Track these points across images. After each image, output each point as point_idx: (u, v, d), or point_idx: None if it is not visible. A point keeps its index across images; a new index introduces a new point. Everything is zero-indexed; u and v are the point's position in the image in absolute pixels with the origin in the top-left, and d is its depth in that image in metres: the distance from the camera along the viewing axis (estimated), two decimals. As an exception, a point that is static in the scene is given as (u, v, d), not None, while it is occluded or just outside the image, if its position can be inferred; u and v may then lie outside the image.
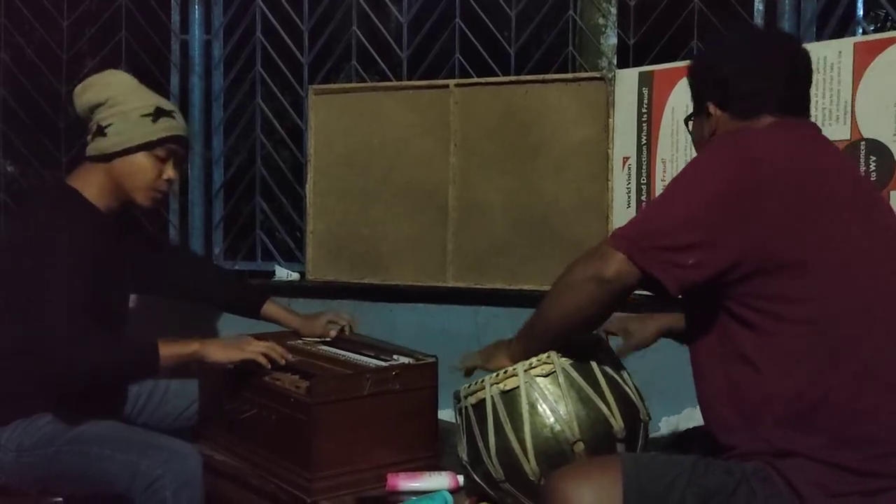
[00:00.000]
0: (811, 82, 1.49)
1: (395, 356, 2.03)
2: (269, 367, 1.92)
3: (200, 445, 1.99)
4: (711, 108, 1.48)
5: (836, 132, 2.13)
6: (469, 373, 1.70)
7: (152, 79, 2.77)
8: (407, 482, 1.80)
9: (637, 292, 1.36)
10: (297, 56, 2.95)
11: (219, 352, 1.90)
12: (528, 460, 1.48)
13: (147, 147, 1.94)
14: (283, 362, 1.94)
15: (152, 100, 1.98)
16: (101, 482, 1.81)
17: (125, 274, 2.06)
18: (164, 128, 1.96)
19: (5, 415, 1.85)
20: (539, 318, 1.48)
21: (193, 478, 1.79)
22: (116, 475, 1.79)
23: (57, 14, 2.95)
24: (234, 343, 1.95)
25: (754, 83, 1.44)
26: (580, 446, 1.47)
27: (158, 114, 1.95)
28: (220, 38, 3.04)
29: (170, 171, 1.99)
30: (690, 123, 1.57)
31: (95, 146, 1.94)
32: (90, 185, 1.94)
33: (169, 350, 1.85)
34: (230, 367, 1.93)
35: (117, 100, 1.93)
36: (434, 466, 1.89)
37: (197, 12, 3.00)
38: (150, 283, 2.22)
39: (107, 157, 1.93)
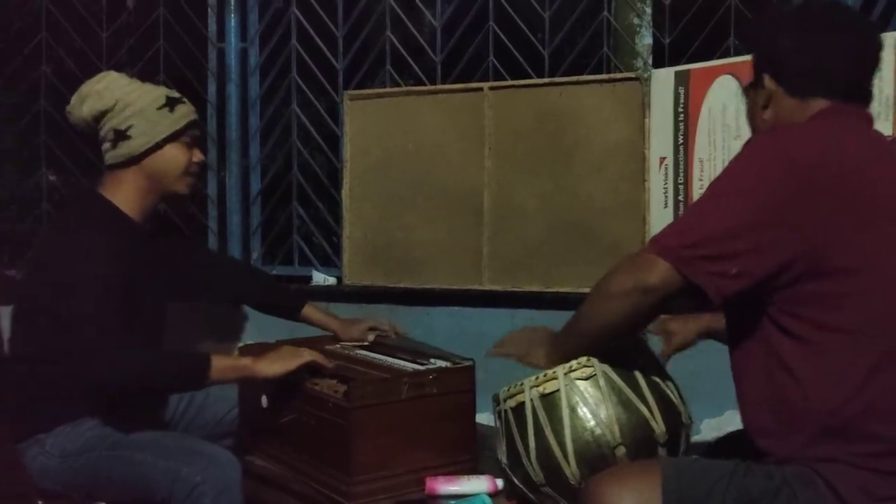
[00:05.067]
0: (877, 69, 1.40)
1: (432, 360, 2.03)
2: (324, 368, 1.93)
3: (240, 451, 2.00)
4: (766, 80, 1.40)
5: (878, 129, 2.08)
6: (492, 356, 1.68)
7: (190, 87, 2.80)
8: (446, 486, 1.79)
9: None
10: (332, 62, 2.96)
11: (269, 366, 1.90)
12: (569, 464, 1.47)
13: (173, 137, 1.95)
14: (329, 366, 1.94)
15: (159, 91, 1.98)
16: (143, 488, 1.83)
17: (161, 280, 2.07)
18: (183, 114, 1.98)
19: (50, 421, 1.88)
20: (579, 324, 1.46)
21: (233, 484, 1.80)
22: (157, 481, 1.80)
23: (96, 26, 3.00)
24: (279, 355, 1.94)
25: (813, 61, 1.36)
26: (621, 450, 1.46)
27: (172, 103, 1.96)
28: (255, 46, 3.06)
29: (198, 154, 2.01)
30: (747, 93, 1.49)
31: (119, 152, 1.93)
32: (121, 191, 1.95)
33: (220, 365, 1.85)
34: (281, 379, 1.93)
35: (126, 100, 1.92)
36: (473, 470, 1.88)
37: (233, 20, 3.03)
38: (188, 288, 2.24)
39: (135, 159, 1.93)
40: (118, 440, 1.85)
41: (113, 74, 1.98)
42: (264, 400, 1.96)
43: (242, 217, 3.10)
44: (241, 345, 2.34)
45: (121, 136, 1.92)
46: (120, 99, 1.92)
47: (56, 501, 1.86)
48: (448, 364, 1.98)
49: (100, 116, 1.93)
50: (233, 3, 3.02)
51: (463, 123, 2.73)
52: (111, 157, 1.95)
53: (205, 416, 2.15)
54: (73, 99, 1.96)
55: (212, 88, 3.06)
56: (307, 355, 1.93)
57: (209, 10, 3.05)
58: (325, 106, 3.04)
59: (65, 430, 1.86)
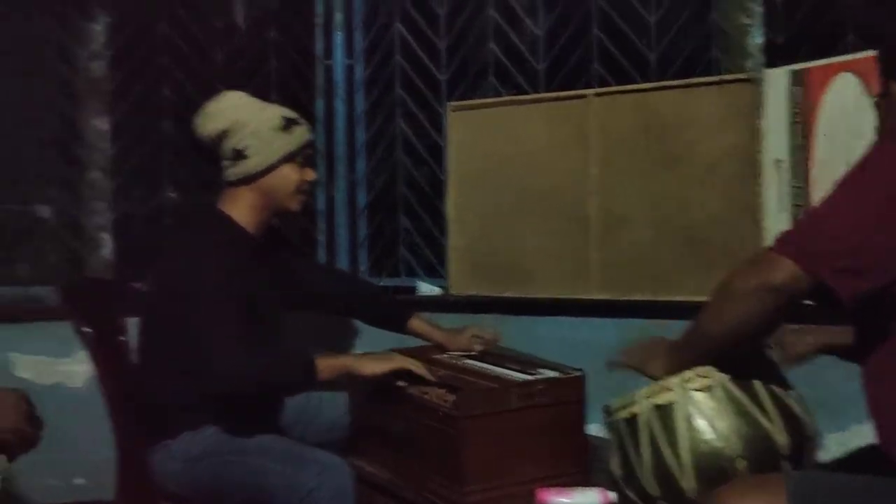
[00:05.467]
0: None
1: (539, 370, 2.02)
2: (418, 375, 1.94)
3: (352, 457, 2.04)
4: (894, 88, 1.34)
5: None
6: (614, 368, 1.65)
7: (299, 104, 2.88)
8: (557, 498, 1.77)
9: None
10: (434, 74, 3.00)
11: (369, 365, 1.95)
12: (686, 477, 1.43)
13: (288, 158, 2.01)
14: (430, 378, 1.95)
15: (276, 111, 2.04)
16: (261, 493, 1.88)
17: (276, 292, 2.14)
18: (298, 135, 2.04)
19: (174, 427, 1.96)
20: (699, 330, 1.42)
21: (346, 489, 1.84)
22: (274, 486, 1.85)
23: (210, 49, 3.13)
24: (382, 357, 2.00)
25: None
26: (741, 463, 1.40)
27: (288, 124, 2.02)
28: (361, 62, 3.13)
29: (310, 173, 2.07)
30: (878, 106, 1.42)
31: (237, 170, 2.01)
32: (238, 207, 2.02)
33: (324, 363, 1.91)
34: (380, 380, 1.97)
35: (244, 121, 1.99)
36: (583, 482, 1.85)
37: (339, 38, 3.11)
38: (301, 300, 2.30)
39: (251, 178, 2.00)
40: (238, 446, 1.91)
41: (233, 94, 2.05)
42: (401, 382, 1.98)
43: (350, 229, 3.16)
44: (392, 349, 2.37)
45: (239, 155, 1.99)
46: (238, 119, 1.99)
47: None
48: (557, 374, 1.97)
49: (220, 135, 2.00)
50: (339, 21, 3.10)
51: (567, 131, 2.70)
52: (230, 174, 2.02)
53: (318, 423, 2.20)
54: (198, 118, 2.04)
55: (320, 105, 3.14)
56: (406, 362, 1.95)
57: (316, 28, 3.14)
58: (428, 118, 3.08)
59: (189, 436, 1.94)
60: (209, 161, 2.77)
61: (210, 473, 1.92)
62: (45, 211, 3.99)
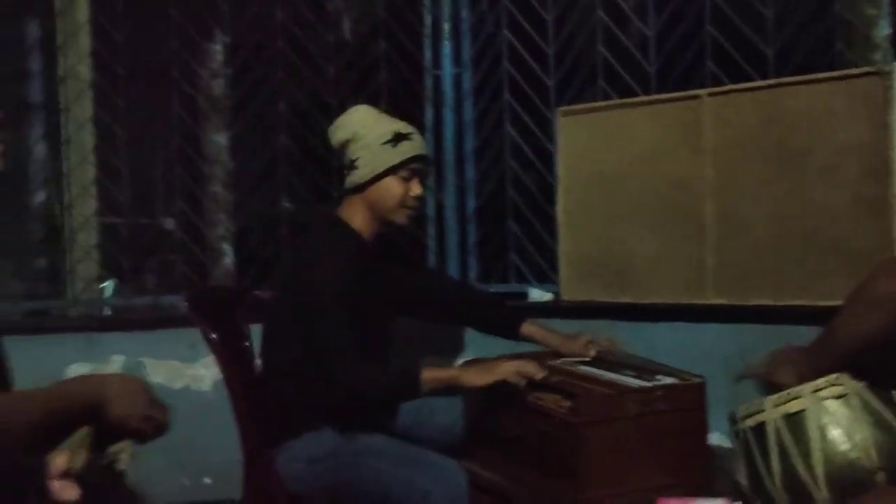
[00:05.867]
0: None
1: (658, 376, 1.98)
2: (524, 383, 1.94)
3: (466, 462, 2.05)
4: None
5: None
6: (739, 379, 1.61)
7: (409, 114, 2.93)
8: (679, 507, 1.74)
9: None
10: (543, 80, 2.99)
11: (474, 377, 1.96)
12: (819, 489, 1.37)
13: (392, 171, 2.08)
14: (538, 377, 1.95)
15: (391, 126, 2.12)
16: (379, 494, 1.92)
17: (390, 298, 2.19)
18: (404, 150, 2.09)
19: (297, 428, 2.03)
20: (836, 335, 1.36)
21: (461, 494, 1.86)
22: (392, 488, 1.89)
23: (324, 62, 3.22)
24: (488, 366, 2.00)
25: None
26: (881, 476, 1.34)
27: (398, 138, 2.09)
28: (469, 70, 3.16)
29: (415, 188, 2.12)
30: None
31: (351, 179, 2.11)
32: (353, 214, 2.12)
33: (430, 375, 1.94)
34: (488, 390, 1.97)
35: (360, 133, 2.10)
36: (705, 492, 1.80)
37: (447, 48, 3.15)
38: (413, 307, 2.34)
39: (361, 188, 2.10)
40: (357, 448, 1.96)
41: (361, 109, 2.17)
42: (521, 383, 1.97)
43: (459, 236, 3.19)
44: (461, 360, 2.40)
45: (352, 165, 2.10)
46: (357, 131, 2.10)
47: (304, 504, 1.99)
48: (676, 381, 1.92)
49: (343, 145, 2.13)
50: (447, 31, 3.13)
51: (680, 132, 2.64)
52: (347, 182, 2.14)
53: (431, 427, 2.22)
54: (331, 128, 2.18)
55: (429, 114, 3.18)
56: (513, 367, 1.94)
57: (424, 39, 3.18)
58: (537, 123, 3.07)
59: (310, 438, 2.00)
60: (326, 172, 2.86)
61: (331, 474, 1.98)
62: (170, 223, 4.21)
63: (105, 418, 1.22)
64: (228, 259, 3.61)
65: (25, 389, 1.21)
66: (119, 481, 1.28)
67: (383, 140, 2.08)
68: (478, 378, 1.95)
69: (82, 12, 3.20)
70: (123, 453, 1.27)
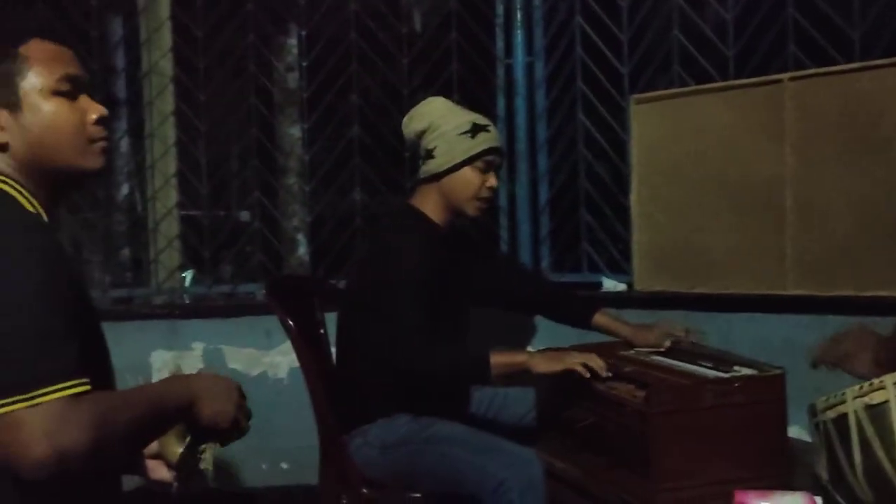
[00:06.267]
0: None
1: (735, 367, 1.94)
2: (588, 376, 1.93)
3: (540, 452, 2.05)
4: None
5: None
6: (815, 365, 1.56)
7: (480, 103, 2.93)
8: (758, 501, 1.69)
9: None
10: (616, 67, 2.96)
11: (542, 363, 1.96)
12: (904, 483, 1.33)
13: (469, 161, 2.09)
14: (602, 375, 1.93)
15: (468, 117, 2.13)
16: (453, 481, 1.94)
17: (464, 286, 2.20)
18: (482, 141, 2.10)
19: (370, 413, 2.06)
20: None
21: (537, 482, 1.86)
22: (466, 475, 1.90)
23: (396, 53, 3.25)
24: (557, 355, 2.00)
25: None
26: (968, 469, 1.29)
27: (475, 129, 2.10)
28: (541, 59, 3.14)
29: (491, 180, 2.13)
30: None
31: (426, 168, 2.13)
32: (426, 204, 2.14)
33: (499, 359, 1.95)
34: (556, 378, 1.97)
35: (437, 123, 2.11)
36: (784, 485, 1.76)
37: (519, 37, 3.14)
38: (485, 296, 2.34)
39: (437, 177, 2.11)
40: (431, 435, 1.98)
41: (438, 100, 2.19)
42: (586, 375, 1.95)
43: (532, 226, 3.18)
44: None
45: (428, 154, 2.12)
46: (433, 121, 2.12)
47: (378, 489, 2.02)
48: (755, 372, 1.88)
49: (419, 135, 2.15)
50: (519, 20, 3.12)
51: (760, 118, 2.58)
52: (421, 171, 2.16)
53: (504, 417, 2.23)
54: (405, 118, 2.20)
55: (501, 103, 3.18)
56: (580, 359, 1.93)
57: (497, 28, 3.18)
58: (610, 112, 3.04)
59: (384, 423, 2.03)
60: (398, 163, 2.88)
61: (404, 460, 2.00)
62: (245, 215, 4.31)
63: (197, 417, 1.28)
64: (302, 249, 3.68)
65: (130, 388, 1.28)
66: (201, 479, 1.35)
67: (461, 130, 2.10)
68: (545, 365, 1.96)
69: (164, 9, 3.30)
70: (207, 452, 1.34)
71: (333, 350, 2.27)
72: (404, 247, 2.03)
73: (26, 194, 1.28)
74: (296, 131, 3.68)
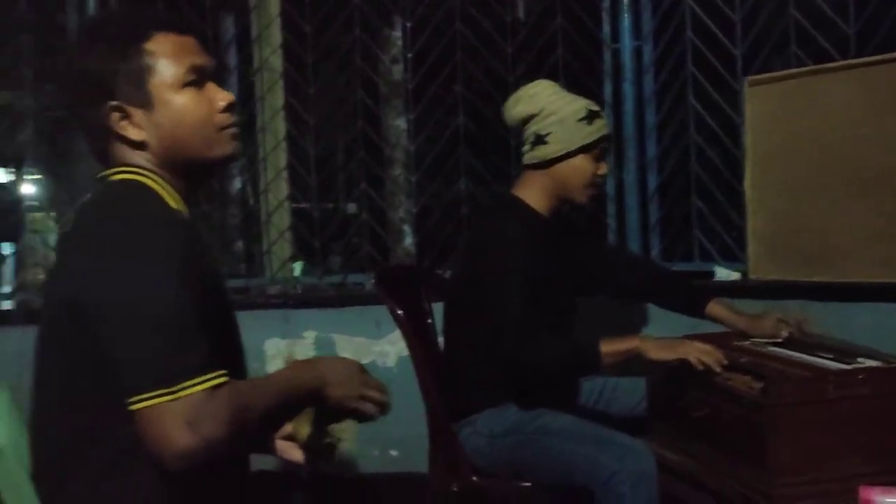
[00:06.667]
0: None
1: (858, 359, 1.86)
2: (701, 369, 1.87)
3: (651, 443, 2.01)
4: None
5: None
6: None
7: (586, 89, 2.90)
8: (885, 497, 1.62)
9: None
10: (729, 49, 2.86)
11: (655, 350, 1.91)
12: None
13: (585, 149, 2.06)
14: (717, 369, 1.87)
15: (582, 103, 2.09)
16: (562, 473, 1.93)
17: (570, 275, 2.18)
18: (598, 128, 2.07)
19: (478, 403, 2.07)
20: None
21: (649, 474, 1.83)
22: (576, 466, 1.89)
23: (500, 41, 3.24)
24: (671, 342, 1.94)
25: None
26: None
27: (592, 116, 2.07)
28: (649, 43, 3.08)
29: (603, 168, 2.11)
30: None
31: (535, 154, 2.09)
32: (532, 191, 2.11)
33: (610, 347, 1.91)
34: (669, 366, 1.92)
35: (550, 108, 2.07)
36: (915, 482, 1.68)
37: (626, 21, 3.08)
38: (592, 284, 2.31)
39: (547, 163, 2.08)
40: (539, 425, 1.98)
41: (544, 83, 2.15)
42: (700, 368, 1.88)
43: (640, 213, 3.12)
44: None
45: (539, 140, 2.08)
46: (545, 106, 2.08)
47: (487, 478, 2.03)
48: (879, 363, 1.80)
49: (527, 119, 2.10)
50: (626, 3, 3.06)
51: (884, 98, 2.45)
52: (528, 157, 2.12)
53: (614, 408, 2.21)
54: (509, 101, 2.16)
55: (607, 89, 3.13)
56: (696, 351, 1.87)
57: (603, 13, 3.13)
58: (722, 95, 2.94)
59: (492, 413, 2.04)
60: (504, 151, 2.88)
61: (512, 450, 2.01)
62: (351, 207, 4.39)
63: (326, 399, 1.33)
64: (409, 240, 3.72)
65: (261, 377, 1.36)
66: (335, 456, 1.41)
67: (579, 117, 2.06)
68: (658, 352, 1.90)
69: (274, 6, 3.39)
70: (344, 432, 1.40)
71: (441, 339, 2.29)
72: (506, 238, 2.01)
73: (168, 189, 1.32)
74: (401, 123, 3.72)
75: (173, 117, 1.32)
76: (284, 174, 3.42)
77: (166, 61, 1.31)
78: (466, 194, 3.26)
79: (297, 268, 3.45)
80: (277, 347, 3.02)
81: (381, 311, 2.27)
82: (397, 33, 3.74)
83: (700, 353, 1.86)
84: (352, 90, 3.37)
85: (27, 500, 1.29)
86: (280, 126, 3.43)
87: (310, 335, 3.08)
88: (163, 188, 1.32)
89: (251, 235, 4.02)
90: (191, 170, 1.36)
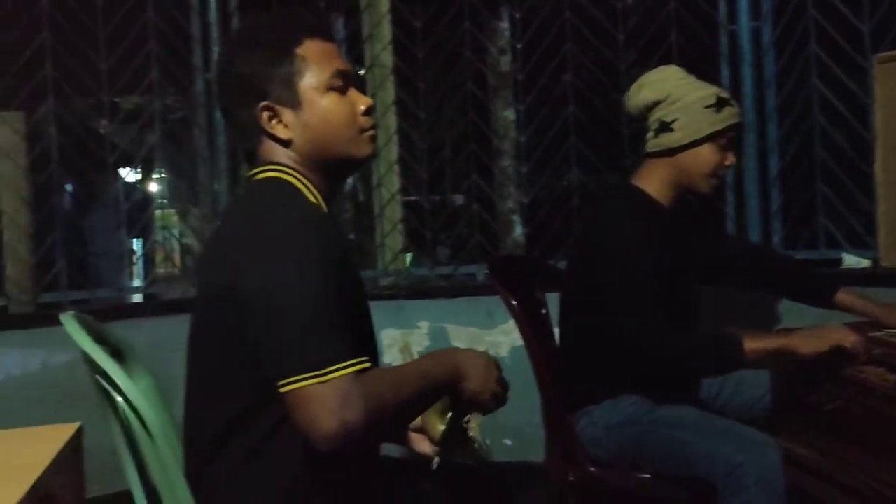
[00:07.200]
0: None
1: None
2: (854, 353, 1.78)
3: (777, 437, 1.94)
4: None
5: None
6: None
7: (703, 74, 2.80)
8: None
9: None
10: (855, 25, 2.72)
11: (805, 344, 1.81)
12: None
13: (713, 137, 1.97)
14: (862, 358, 1.78)
15: (711, 90, 2.00)
16: (683, 465, 1.88)
17: (691, 266, 2.12)
18: (727, 116, 1.98)
19: (596, 394, 2.04)
20: None
21: (774, 468, 1.76)
22: (698, 458, 1.84)
23: (611, 28, 3.18)
24: (816, 332, 1.84)
25: None
26: None
27: (721, 103, 1.98)
28: (769, 23, 2.96)
29: (731, 157, 2.01)
30: None
31: (659, 142, 2.01)
32: (652, 180, 2.03)
33: (754, 344, 1.83)
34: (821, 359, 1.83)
35: (677, 95, 1.98)
36: None
37: (744, 1, 2.97)
38: (715, 274, 2.24)
39: (671, 151, 2.00)
40: (658, 417, 1.94)
41: (671, 68, 2.08)
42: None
43: (761, 200, 3.02)
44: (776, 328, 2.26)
45: (665, 127, 2.00)
46: (672, 92, 2.00)
47: (605, 468, 2.01)
48: None
49: (651, 106, 2.02)
50: (744, -17, 2.96)
51: None
52: (651, 145, 2.04)
53: (738, 400, 2.13)
54: (632, 87, 2.08)
55: (725, 72, 3.03)
56: (846, 336, 1.79)
57: (722, -1, 3.03)
58: (849, 74, 2.81)
59: (609, 404, 2.01)
60: (615, 141, 2.83)
61: (631, 441, 1.97)
62: (458, 199, 4.41)
63: (461, 392, 1.36)
64: (518, 230, 3.71)
65: (401, 365, 1.40)
66: (470, 445, 1.42)
67: (707, 104, 1.97)
68: (809, 346, 1.81)
69: (384, 4, 3.44)
70: (474, 422, 1.41)
71: (556, 330, 2.27)
72: (628, 230, 1.95)
73: (310, 186, 1.39)
74: (510, 113, 3.71)
75: (319, 118, 1.38)
76: (396, 167, 3.47)
77: (315, 65, 1.38)
78: (577, 184, 3.23)
79: (407, 259, 3.50)
80: (393, 337, 3.07)
81: (493, 302, 2.27)
82: (505, 24, 3.73)
83: (855, 336, 1.79)
84: (460, 83, 3.38)
85: (178, 485, 1.36)
86: (391, 121, 3.48)
87: (423, 325, 3.12)
88: (305, 186, 1.38)
89: (362, 229, 4.10)
90: (331, 168, 1.42)
